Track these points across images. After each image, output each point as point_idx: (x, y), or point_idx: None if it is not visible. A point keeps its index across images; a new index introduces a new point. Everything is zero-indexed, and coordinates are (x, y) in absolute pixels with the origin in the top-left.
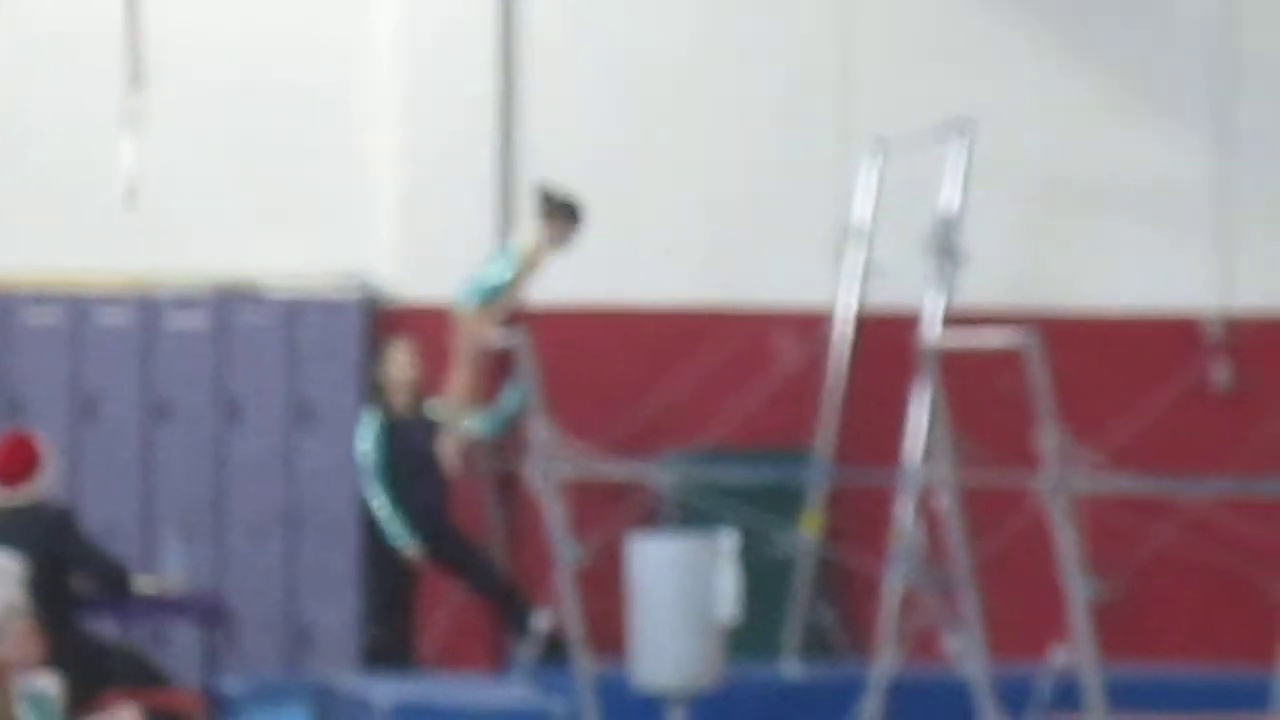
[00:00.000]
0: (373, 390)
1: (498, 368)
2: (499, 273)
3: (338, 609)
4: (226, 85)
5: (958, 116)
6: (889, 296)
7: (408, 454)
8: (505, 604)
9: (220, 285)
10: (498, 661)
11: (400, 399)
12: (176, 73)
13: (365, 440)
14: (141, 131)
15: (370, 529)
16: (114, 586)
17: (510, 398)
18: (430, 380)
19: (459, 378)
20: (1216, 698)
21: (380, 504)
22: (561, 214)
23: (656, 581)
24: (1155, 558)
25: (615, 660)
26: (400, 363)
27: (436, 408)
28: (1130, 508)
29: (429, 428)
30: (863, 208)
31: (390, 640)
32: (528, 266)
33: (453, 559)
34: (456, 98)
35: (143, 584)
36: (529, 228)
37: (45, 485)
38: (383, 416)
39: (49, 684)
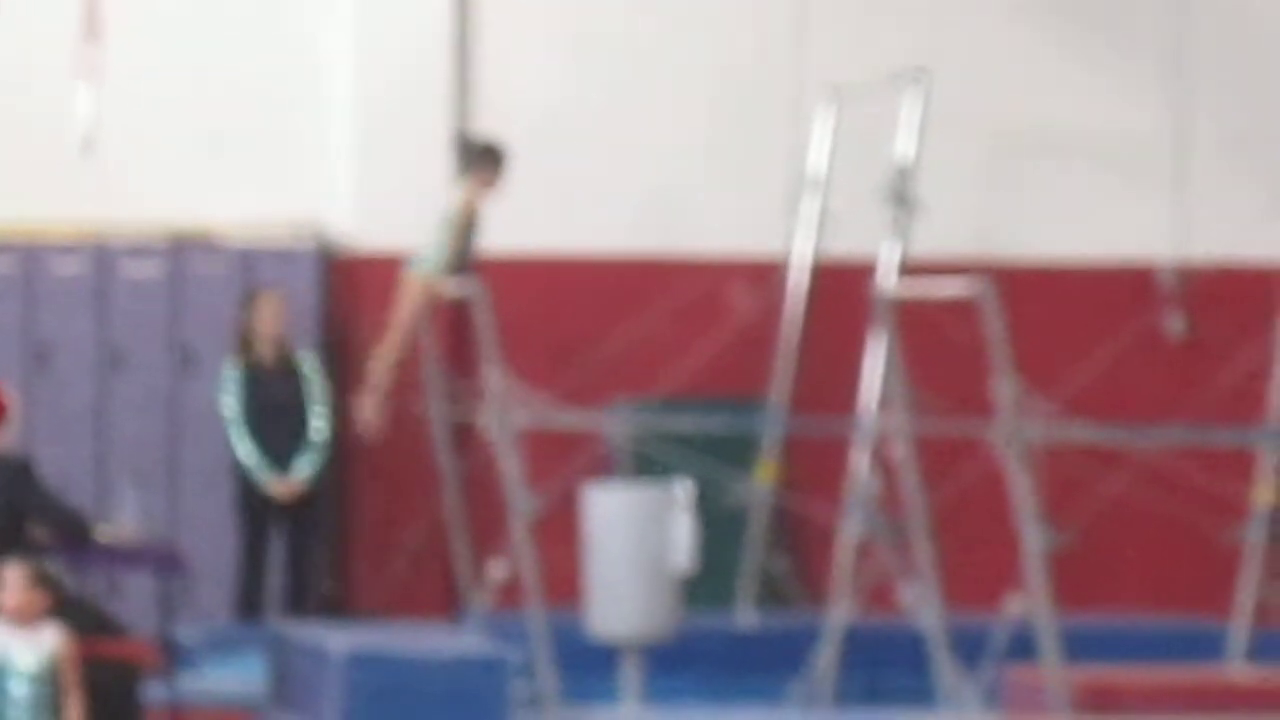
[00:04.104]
0: (239, 341)
1: (453, 327)
2: (439, 242)
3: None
4: (182, 35)
5: (913, 65)
6: (844, 246)
7: (269, 404)
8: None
9: (175, 234)
10: (451, 610)
11: (265, 350)
12: (132, 22)
13: (227, 390)
14: (97, 81)
15: (237, 477)
16: (75, 537)
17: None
18: (378, 329)
19: (391, 340)
20: (1171, 647)
21: (246, 451)
22: (485, 160)
23: (611, 531)
24: (1110, 507)
25: (570, 610)
26: (267, 315)
27: (370, 366)
28: (1085, 457)
29: (293, 378)
30: (818, 157)
31: (254, 590)
32: (466, 222)
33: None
34: (411, 47)
35: (102, 533)
36: (455, 187)
37: (8, 437)
38: (245, 367)
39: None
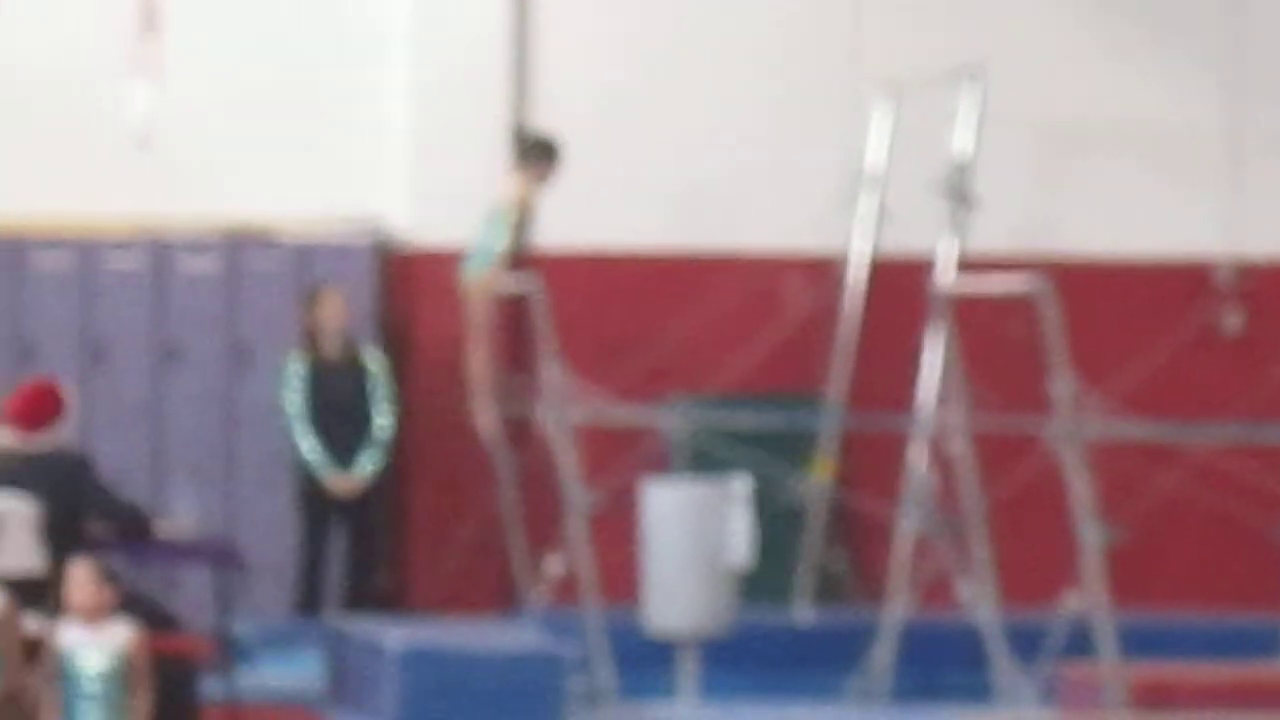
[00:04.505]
0: (303, 336)
1: (508, 322)
2: (495, 235)
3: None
4: (239, 30)
5: (970, 62)
6: (901, 242)
7: (332, 400)
8: (360, 583)
9: (231, 229)
10: (508, 606)
11: (331, 346)
12: (189, 17)
13: (290, 385)
14: (154, 76)
15: (298, 473)
16: (135, 532)
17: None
18: (435, 325)
19: (477, 352)
20: (1226, 643)
21: (308, 447)
22: (539, 154)
23: (668, 527)
24: (1165, 503)
25: (627, 605)
26: (330, 310)
27: (470, 384)
28: (1140, 454)
29: (358, 374)
30: (875, 153)
31: (313, 585)
32: (522, 217)
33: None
34: (469, 41)
35: (161, 528)
36: (508, 180)
37: (66, 432)
38: (309, 362)
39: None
